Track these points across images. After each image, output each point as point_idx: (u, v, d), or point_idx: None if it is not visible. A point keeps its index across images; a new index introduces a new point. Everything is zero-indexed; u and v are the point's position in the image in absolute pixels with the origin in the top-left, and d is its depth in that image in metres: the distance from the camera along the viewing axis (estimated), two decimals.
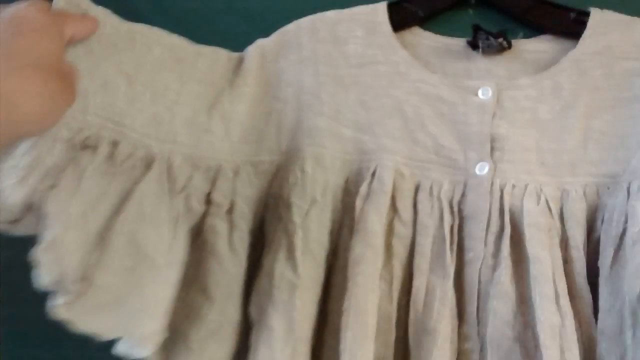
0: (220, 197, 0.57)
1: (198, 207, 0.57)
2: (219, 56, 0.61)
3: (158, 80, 0.57)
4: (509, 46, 0.59)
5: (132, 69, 0.56)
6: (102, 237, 0.51)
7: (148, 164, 0.55)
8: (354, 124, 0.60)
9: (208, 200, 0.57)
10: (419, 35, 0.62)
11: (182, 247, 0.54)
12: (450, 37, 0.62)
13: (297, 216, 0.56)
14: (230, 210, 0.57)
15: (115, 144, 0.54)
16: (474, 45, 0.60)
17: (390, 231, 0.57)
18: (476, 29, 0.59)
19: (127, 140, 0.55)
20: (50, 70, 0.44)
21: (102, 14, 0.55)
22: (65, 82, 0.46)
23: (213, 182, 0.58)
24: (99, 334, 0.50)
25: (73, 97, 0.47)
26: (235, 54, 0.62)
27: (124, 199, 0.53)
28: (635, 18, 0.57)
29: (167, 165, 0.56)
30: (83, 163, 0.52)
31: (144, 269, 0.52)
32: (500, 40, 0.59)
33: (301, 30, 0.62)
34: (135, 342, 0.51)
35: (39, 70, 0.42)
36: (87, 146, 0.53)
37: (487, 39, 0.59)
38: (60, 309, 0.49)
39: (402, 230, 0.57)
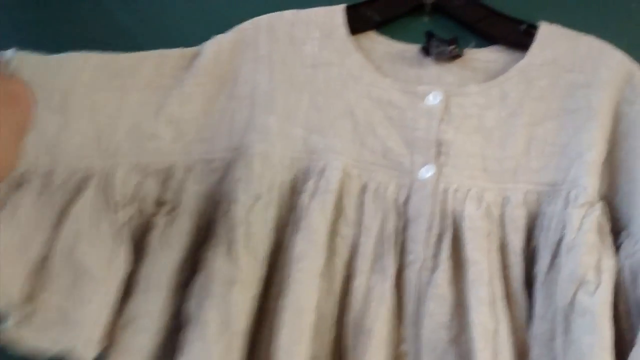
0: (169, 196, 0.59)
1: (149, 210, 0.59)
2: (167, 57, 0.62)
3: (95, 101, 0.59)
4: (460, 54, 0.61)
5: (60, 100, 0.57)
6: (44, 260, 0.54)
7: (84, 184, 0.57)
8: (305, 124, 0.61)
9: (159, 202, 0.59)
10: (374, 40, 0.64)
11: (123, 258, 0.56)
12: (404, 43, 0.63)
13: (240, 211, 0.57)
14: (174, 208, 0.59)
15: (49, 174, 0.56)
16: (426, 52, 0.62)
17: (334, 230, 0.58)
18: (429, 35, 0.61)
19: (62, 166, 0.57)
20: None
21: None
22: None
23: (163, 183, 0.59)
24: (44, 349, 0.53)
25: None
26: (189, 50, 0.62)
27: (61, 221, 0.55)
28: (581, 34, 0.59)
29: (106, 181, 0.57)
30: (17, 200, 0.54)
31: (84, 284, 0.54)
32: (452, 47, 0.61)
33: (259, 28, 0.63)
34: (77, 354, 0.53)
35: None
36: (22, 182, 0.55)
37: (439, 46, 0.61)
38: (9, 331, 0.52)
39: (346, 230, 0.58)
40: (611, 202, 0.58)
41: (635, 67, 0.58)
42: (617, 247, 0.56)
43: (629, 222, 0.56)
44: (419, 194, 0.58)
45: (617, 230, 0.57)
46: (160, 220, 0.58)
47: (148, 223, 0.58)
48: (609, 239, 0.55)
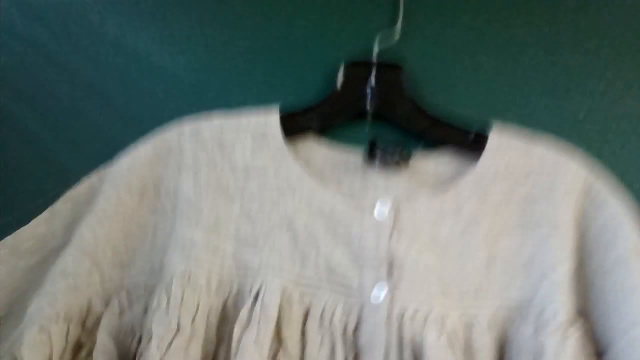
0: (85, 338, 0.52)
1: (71, 357, 0.51)
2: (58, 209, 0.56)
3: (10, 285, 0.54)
4: (406, 162, 0.56)
5: None
6: None
7: None
8: (235, 236, 0.53)
9: (78, 346, 0.52)
10: (313, 147, 0.59)
11: None
12: (346, 149, 0.58)
13: (156, 349, 0.47)
14: (89, 349, 0.51)
15: None
16: (371, 159, 0.57)
17: None
18: (372, 144, 0.57)
19: None
20: None
21: None
22: None
23: (83, 324, 0.53)
24: None
25: None
26: (102, 171, 0.57)
27: None
28: (534, 141, 0.56)
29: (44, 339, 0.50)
30: None
31: None
32: (398, 154, 0.56)
33: (183, 135, 0.56)
34: None
35: None
36: None
37: (384, 154, 0.56)
38: None
39: None
40: (589, 318, 0.52)
41: (592, 178, 0.54)
42: None
43: (609, 346, 0.50)
44: (370, 320, 0.50)
45: (599, 349, 0.51)
46: None
47: None
48: None
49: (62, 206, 0.56)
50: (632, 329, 0.49)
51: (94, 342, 0.50)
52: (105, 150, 0.58)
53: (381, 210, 0.54)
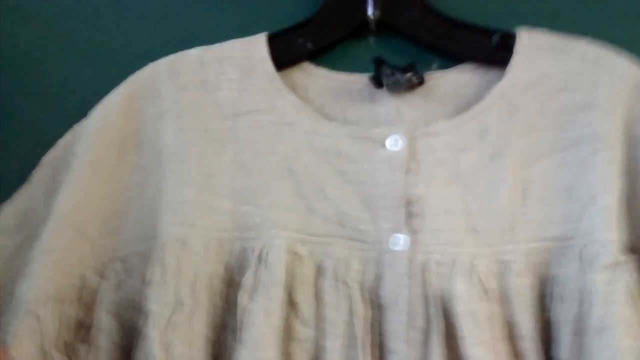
0: (84, 315, 0.48)
1: (71, 337, 0.47)
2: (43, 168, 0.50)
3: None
4: (421, 82, 0.48)
5: None
6: None
7: None
8: (231, 192, 0.47)
9: (78, 325, 0.48)
10: (310, 73, 0.50)
11: None
12: (349, 73, 0.50)
13: (154, 328, 0.42)
14: (90, 327, 0.47)
15: None
16: (378, 83, 0.48)
17: (287, 334, 0.44)
18: (378, 62, 0.48)
19: None
20: None
21: None
22: None
23: (79, 300, 0.48)
24: None
25: None
26: (76, 128, 0.50)
27: None
28: (571, 38, 0.47)
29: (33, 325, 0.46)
30: None
31: None
32: (409, 75, 0.47)
33: (159, 75, 0.49)
34: None
35: None
36: None
37: (393, 74, 0.48)
38: None
39: (303, 332, 0.44)
40: (637, 249, 0.45)
41: None
42: None
43: None
44: (391, 273, 0.44)
45: None
46: (80, 347, 0.47)
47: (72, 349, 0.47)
48: None
49: (39, 174, 0.50)
50: None
51: (86, 321, 0.47)
52: (77, 101, 0.52)
53: (394, 141, 0.46)
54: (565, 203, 0.45)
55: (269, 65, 0.48)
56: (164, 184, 0.47)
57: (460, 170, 0.46)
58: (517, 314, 0.43)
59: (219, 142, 0.48)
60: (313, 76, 0.50)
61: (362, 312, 0.44)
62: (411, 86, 0.48)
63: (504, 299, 0.44)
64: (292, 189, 0.47)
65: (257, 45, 0.49)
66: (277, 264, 0.44)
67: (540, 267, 0.45)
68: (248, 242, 0.46)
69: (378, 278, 0.45)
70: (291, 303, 0.44)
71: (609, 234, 0.43)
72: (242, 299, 0.44)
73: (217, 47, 0.50)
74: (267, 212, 0.47)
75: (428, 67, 0.50)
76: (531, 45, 0.47)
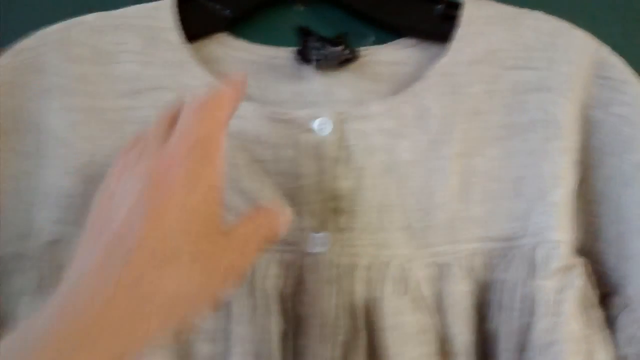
0: None
1: None
2: None
3: None
4: (354, 57, 0.42)
5: None
6: None
7: None
8: None
9: None
10: (226, 45, 0.44)
11: None
12: (272, 47, 0.44)
13: None
14: None
15: None
16: (304, 57, 0.42)
17: (186, 353, 0.38)
18: (304, 33, 0.42)
19: None
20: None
21: None
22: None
23: None
24: None
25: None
26: None
27: None
28: (521, 10, 0.41)
29: None
30: None
31: None
32: (340, 49, 0.41)
33: (45, 45, 0.41)
34: None
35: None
36: None
37: (322, 47, 0.41)
38: None
39: (206, 349, 0.38)
40: (591, 251, 0.41)
41: (605, 51, 0.40)
42: (611, 322, 0.39)
43: (623, 282, 0.39)
44: (312, 279, 0.38)
45: (604, 291, 0.40)
46: None
47: None
48: (597, 318, 0.38)
49: None
50: None
51: None
52: None
53: (322, 125, 0.40)
54: (512, 198, 0.39)
55: (174, 34, 0.42)
56: (44, 173, 0.40)
57: (395, 159, 0.40)
58: (453, 326, 0.38)
59: (113, 124, 0.41)
60: (230, 49, 0.44)
61: (277, 325, 0.38)
62: (342, 62, 0.42)
63: (439, 309, 0.38)
64: None
65: (163, 12, 0.42)
66: None
67: (483, 271, 0.39)
68: None
69: (297, 286, 0.39)
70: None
71: (561, 233, 0.38)
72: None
73: (117, 12, 0.43)
74: None
75: (363, 40, 0.43)
76: (478, 16, 0.41)
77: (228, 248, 0.30)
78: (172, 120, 0.33)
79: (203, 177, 0.30)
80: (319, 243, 0.39)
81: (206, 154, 0.31)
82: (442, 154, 0.40)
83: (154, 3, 0.43)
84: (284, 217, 0.33)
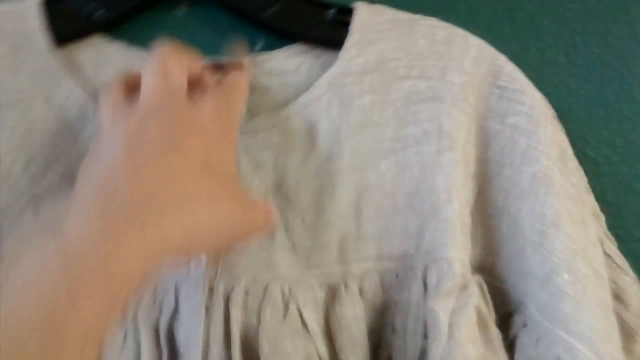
0: None
1: None
2: None
3: None
4: (239, 64, 0.39)
5: None
6: None
7: None
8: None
9: None
10: (101, 50, 0.40)
11: None
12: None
13: None
14: None
15: None
16: None
17: None
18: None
19: None
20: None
21: None
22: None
23: None
24: None
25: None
26: None
27: None
28: (416, 16, 0.40)
29: None
30: None
31: None
32: (223, 58, 0.39)
33: None
34: None
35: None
36: None
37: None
38: None
39: None
40: (492, 268, 0.39)
41: (500, 59, 0.39)
42: (510, 342, 0.37)
43: (524, 300, 0.38)
44: (187, 306, 0.36)
45: (503, 310, 0.39)
46: None
47: None
48: (495, 339, 0.36)
49: None
50: (553, 276, 0.36)
51: None
52: None
53: None
54: (406, 214, 0.38)
55: (41, 39, 0.38)
56: None
57: (281, 176, 0.38)
58: (343, 353, 0.36)
59: None
60: (105, 53, 0.40)
61: (149, 356, 0.35)
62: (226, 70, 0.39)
63: (327, 335, 0.36)
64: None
65: (27, 13, 0.38)
66: None
67: (377, 292, 0.37)
68: None
69: (174, 314, 0.36)
70: None
71: (454, 251, 0.37)
72: None
73: None
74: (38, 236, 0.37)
75: (251, 46, 0.41)
76: (371, 22, 0.39)
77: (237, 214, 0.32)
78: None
79: (230, 138, 0.33)
80: (194, 264, 0.36)
81: (232, 119, 0.34)
82: (330, 170, 0.38)
83: (16, 3, 0.39)
84: (274, 218, 0.35)
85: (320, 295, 0.37)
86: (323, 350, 0.36)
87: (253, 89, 0.39)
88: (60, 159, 0.37)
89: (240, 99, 0.36)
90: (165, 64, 0.33)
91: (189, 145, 0.30)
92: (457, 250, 0.37)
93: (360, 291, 0.37)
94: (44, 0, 0.39)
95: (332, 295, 0.37)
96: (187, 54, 0.35)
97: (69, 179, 0.37)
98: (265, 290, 0.36)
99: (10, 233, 0.36)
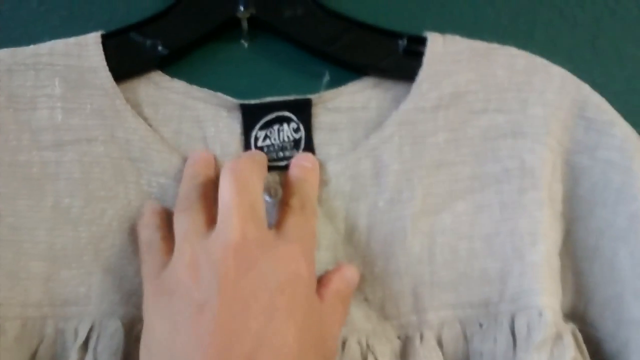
0: None
1: None
2: None
3: None
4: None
5: None
6: None
7: None
8: (47, 250, 0.36)
9: None
10: (160, 87, 0.39)
11: None
12: (213, 93, 0.39)
13: None
14: None
15: None
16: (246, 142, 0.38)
17: None
18: (245, 110, 0.38)
19: None
20: None
21: None
22: None
23: None
24: None
25: None
26: None
27: None
28: (493, 45, 0.38)
29: None
30: None
31: None
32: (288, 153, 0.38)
33: None
34: None
35: None
36: None
37: (267, 136, 0.38)
38: None
39: None
40: (584, 315, 0.37)
41: (586, 90, 0.37)
42: None
43: (624, 350, 0.35)
44: None
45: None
46: None
47: None
48: None
49: None
50: None
51: None
52: None
53: (273, 194, 0.37)
54: (484, 258, 0.36)
55: (104, 76, 0.37)
56: None
57: (352, 226, 0.36)
58: None
59: (32, 181, 0.36)
60: (166, 91, 0.39)
61: None
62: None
63: None
64: (135, 248, 0.36)
65: (87, 49, 0.37)
66: (111, 354, 0.34)
67: (458, 343, 0.35)
68: (68, 321, 0.35)
69: None
70: None
71: (545, 297, 0.35)
72: None
73: (31, 49, 0.38)
74: (98, 281, 0.35)
75: (317, 80, 0.39)
76: (445, 53, 0.38)
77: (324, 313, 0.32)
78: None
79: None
80: None
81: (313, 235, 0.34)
82: (401, 214, 0.36)
83: (75, 39, 0.38)
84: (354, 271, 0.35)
85: (397, 346, 0.35)
86: None
87: (322, 129, 0.38)
88: (120, 197, 0.36)
89: (316, 218, 0.35)
90: (244, 178, 0.32)
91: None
92: (547, 297, 0.35)
93: (439, 341, 0.35)
94: (103, 36, 0.38)
95: (409, 347, 0.35)
96: (263, 161, 0.35)
97: (128, 219, 0.36)
98: (344, 345, 0.35)
99: (69, 274, 0.35)
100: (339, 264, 0.35)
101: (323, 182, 0.37)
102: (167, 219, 0.35)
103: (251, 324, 0.29)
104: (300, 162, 0.36)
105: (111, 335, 0.34)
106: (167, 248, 0.33)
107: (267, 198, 0.36)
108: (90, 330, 0.34)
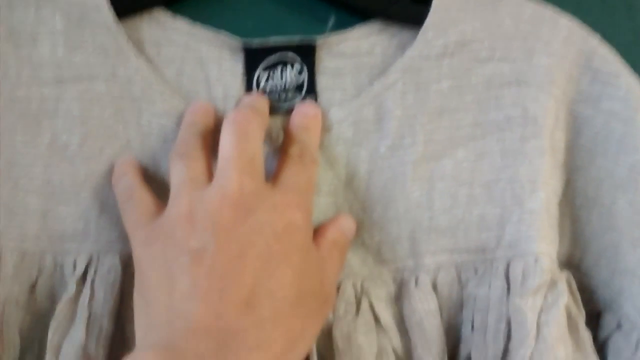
0: None
1: None
2: None
3: None
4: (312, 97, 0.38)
5: None
6: None
7: None
8: (43, 186, 0.37)
9: None
10: (165, 26, 0.39)
11: None
12: (219, 32, 0.39)
13: None
14: None
15: None
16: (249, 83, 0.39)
17: None
18: (247, 53, 0.38)
19: None
20: None
21: None
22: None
23: None
24: None
25: None
26: None
27: None
28: None
29: None
30: None
31: None
32: (292, 95, 0.38)
33: None
34: None
35: None
36: None
37: (270, 78, 0.38)
38: None
39: None
40: (580, 263, 0.38)
41: (594, 41, 0.38)
42: (600, 343, 0.37)
43: (618, 299, 0.37)
44: None
45: (591, 308, 0.38)
46: None
47: None
48: (586, 340, 0.36)
49: None
50: None
51: None
52: None
53: (277, 134, 0.37)
54: (484, 204, 0.37)
55: (106, 13, 0.37)
56: None
57: (352, 172, 0.37)
58: (418, 350, 0.35)
59: (31, 116, 0.37)
60: (169, 31, 0.39)
61: None
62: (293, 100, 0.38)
63: (401, 331, 0.36)
64: None
65: None
66: (107, 288, 0.35)
67: (453, 287, 0.37)
68: (65, 256, 0.36)
69: None
70: (124, 340, 0.35)
71: (542, 244, 0.36)
72: (54, 336, 0.34)
73: None
74: (95, 217, 0.36)
75: (322, 24, 0.40)
76: (453, 0, 0.38)
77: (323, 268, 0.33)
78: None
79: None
80: None
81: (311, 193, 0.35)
82: (402, 160, 0.37)
83: None
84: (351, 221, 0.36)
85: (393, 289, 0.36)
86: (398, 344, 0.36)
87: (327, 74, 0.38)
88: (119, 136, 0.37)
89: (315, 166, 0.35)
90: (246, 130, 0.33)
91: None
92: (544, 244, 0.36)
93: (434, 285, 0.36)
94: None
95: (405, 290, 0.36)
96: (264, 110, 0.36)
97: (116, 156, 0.37)
98: (338, 287, 0.36)
99: (67, 209, 0.36)
100: (336, 214, 0.36)
101: (325, 128, 0.37)
102: (141, 170, 0.36)
103: (248, 269, 0.30)
104: (303, 110, 0.37)
105: (108, 270, 0.35)
106: (149, 196, 0.34)
107: (268, 145, 0.37)
108: (88, 264, 0.36)
